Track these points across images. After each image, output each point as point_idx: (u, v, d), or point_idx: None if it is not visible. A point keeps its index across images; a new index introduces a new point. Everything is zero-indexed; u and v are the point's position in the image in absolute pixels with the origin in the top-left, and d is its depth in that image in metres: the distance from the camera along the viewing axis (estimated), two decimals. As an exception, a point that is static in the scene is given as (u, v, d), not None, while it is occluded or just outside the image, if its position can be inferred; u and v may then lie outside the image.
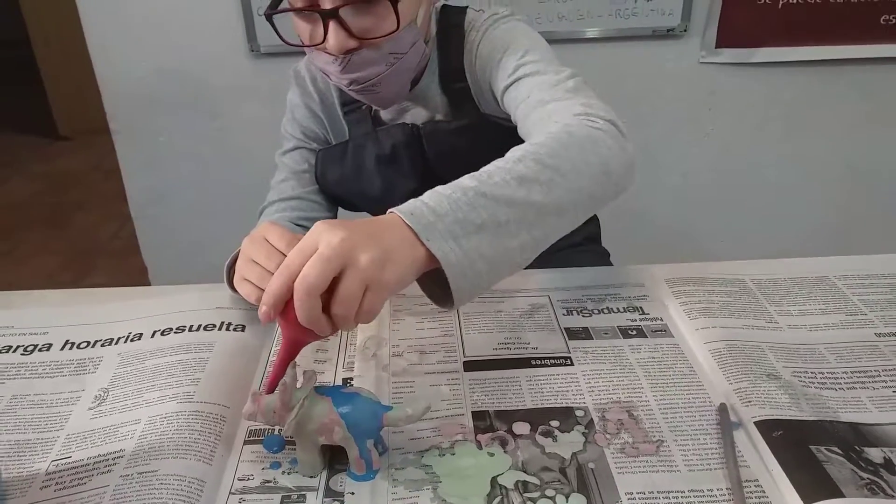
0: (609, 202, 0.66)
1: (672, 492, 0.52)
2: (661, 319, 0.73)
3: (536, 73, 0.78)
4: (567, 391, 0.63)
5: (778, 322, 0.72)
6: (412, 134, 0.87)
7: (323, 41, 0.75)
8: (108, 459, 0.56)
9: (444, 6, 0.87)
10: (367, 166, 0.90)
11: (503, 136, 0.85)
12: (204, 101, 1.79)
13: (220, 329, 0.72)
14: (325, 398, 0.54)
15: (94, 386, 0.66)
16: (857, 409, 0.60)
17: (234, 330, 0.72)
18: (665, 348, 0.69)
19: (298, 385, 0.55)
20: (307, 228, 0.90)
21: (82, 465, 0.56)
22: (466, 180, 0.58)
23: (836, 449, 0.55)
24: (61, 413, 0.63)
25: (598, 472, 0.54)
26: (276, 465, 0.56)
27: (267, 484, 0.55)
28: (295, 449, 0.56)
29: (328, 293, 0.49)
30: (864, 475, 0.52)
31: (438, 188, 0.57)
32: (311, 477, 0.55)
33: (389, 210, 0.55)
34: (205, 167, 1.87)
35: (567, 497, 0.52)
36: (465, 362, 0.67)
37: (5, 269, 2.48)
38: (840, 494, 0.50)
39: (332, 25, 0.73)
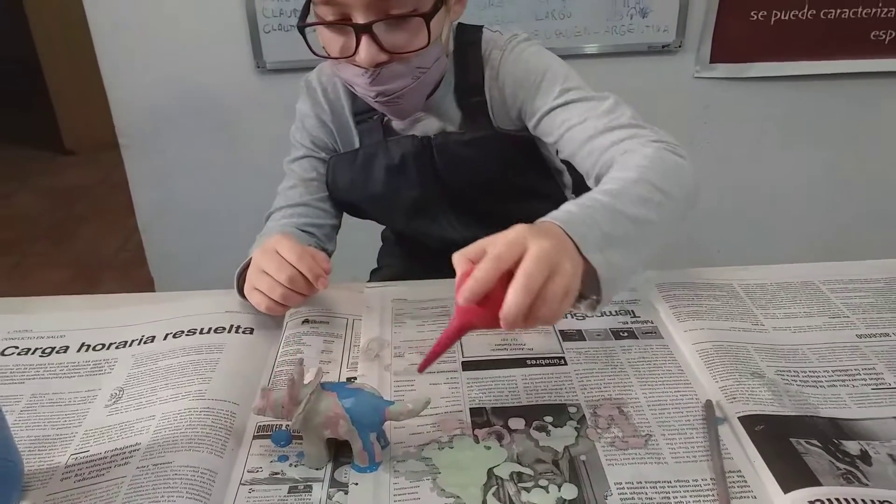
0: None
1: (659, 482, 0.55)
2: (652, 322, 0.76)
3: (583, 100, 0.84)
4: (560, 389, 0.66)
5: (764, 324, 0.75)
6: (422, 145, 0.91)
7: (353, 54, 0.77)
8: (124, 453, 0.59)
9: (459, 24, 0.91)
10: (375, 174, 0.94)
11: (511, 147, 0.91)
12: (211, 116, 1.83)
13: (229, 332, 0.75)
14: (331, 393, 0.58)
15: (110, 385, 0.69)
16: (836, 406, 0.63)
17: (244, 333, 0.75)
18: (655, 349, 0.72)
19: (306, 382, 0.58)
20: (313, 234, 0.95)
21: (100, 458, 0.59)
22: (599, 196, 0.65)
23: (815, 442, 0.57)
24: (79, 410, 0.66)
25: (590, 463, 0.57)
26: (283, 458, 0.59)
27: (275, 475, 0.58)
28: (301, 444, 0.59)
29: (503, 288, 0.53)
30: (842, 466, 0.55)
31: (576, 201, 0.64)
32: (317, 469, 0.58)
33: (543, 219, 0.60)
34: (212, 181, 1.91)
35: (559, 487, 0.55)
36: (463, 362, 0.70)
37: (12, 283, 2.51)
38: (817, 483, 0.53)
39: (364, 39, 0.75)
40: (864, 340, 0.72)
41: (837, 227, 2.05)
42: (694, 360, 0.69)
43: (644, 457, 0.58)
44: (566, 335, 0.74)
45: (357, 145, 0.96)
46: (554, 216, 0.60)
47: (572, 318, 0.77)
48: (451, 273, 0.57)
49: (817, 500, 0.51)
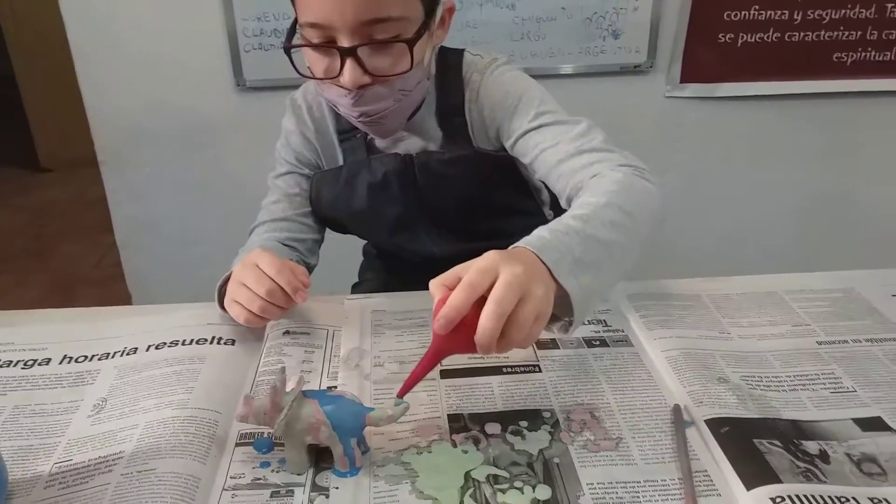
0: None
1: (630, 482, 0.58)
2: (623, 331, 0.79)
3: (557, 123, 0.87)
4: (535, 395, 0.68)
5: (730, 332, 0.78)
6: (404, 163, 0.93)
7: (337, 75, 0.79)
8: (108, 460, 0.60)
9: (442, 47, 0.93)
10: (358, 191, 0.96)
11: (490, 166, 0.94)
12: (191, 134, 1.84)
13: (211, 343, 0.77)
14: (312, 400, 0.59)
15: (93, 396, 0.70)
16: (797, 408, 0.66)
17: (225, 344, 0.77)
18: (626, 356, 0.74)
19: (288, 389, 0.60)
20: (295, 248, 0.96)
21: (84, 466, 0.60)
22: (571, 221, 0.67)
23: (777, 442, 0.60)
24: (62, 421, 0.67)
25: (563, 465, 0.60)
26: (265, 465, 0.61)
27: (257, 481, 0.59)
28: (283, 450, 0.60)
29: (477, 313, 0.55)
30: (801, 464, 0.58)
31: (549, 226, 0.66)
32: (299, 475, 0.60)
33: (517, 244, 0.62)
34: (190, 198, 1.92)
35: (534, 488, 0.57)
36: (441, 371, 0.72)
37: (-14, 300, 2.49)
38: (778, 481, 0.55)
39: (348, 62, 0.77)
40: (823, 347, 0.75)
41: (799, 241, 2.11)
42: (663, 366, 0.72)
43: (615, 459, 0.60)
44: (541, 344, 0.77)
45: (341, 162, 0.98)
46: (527, 241, 0.62)
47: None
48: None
49: (778, 497, 0.54)
